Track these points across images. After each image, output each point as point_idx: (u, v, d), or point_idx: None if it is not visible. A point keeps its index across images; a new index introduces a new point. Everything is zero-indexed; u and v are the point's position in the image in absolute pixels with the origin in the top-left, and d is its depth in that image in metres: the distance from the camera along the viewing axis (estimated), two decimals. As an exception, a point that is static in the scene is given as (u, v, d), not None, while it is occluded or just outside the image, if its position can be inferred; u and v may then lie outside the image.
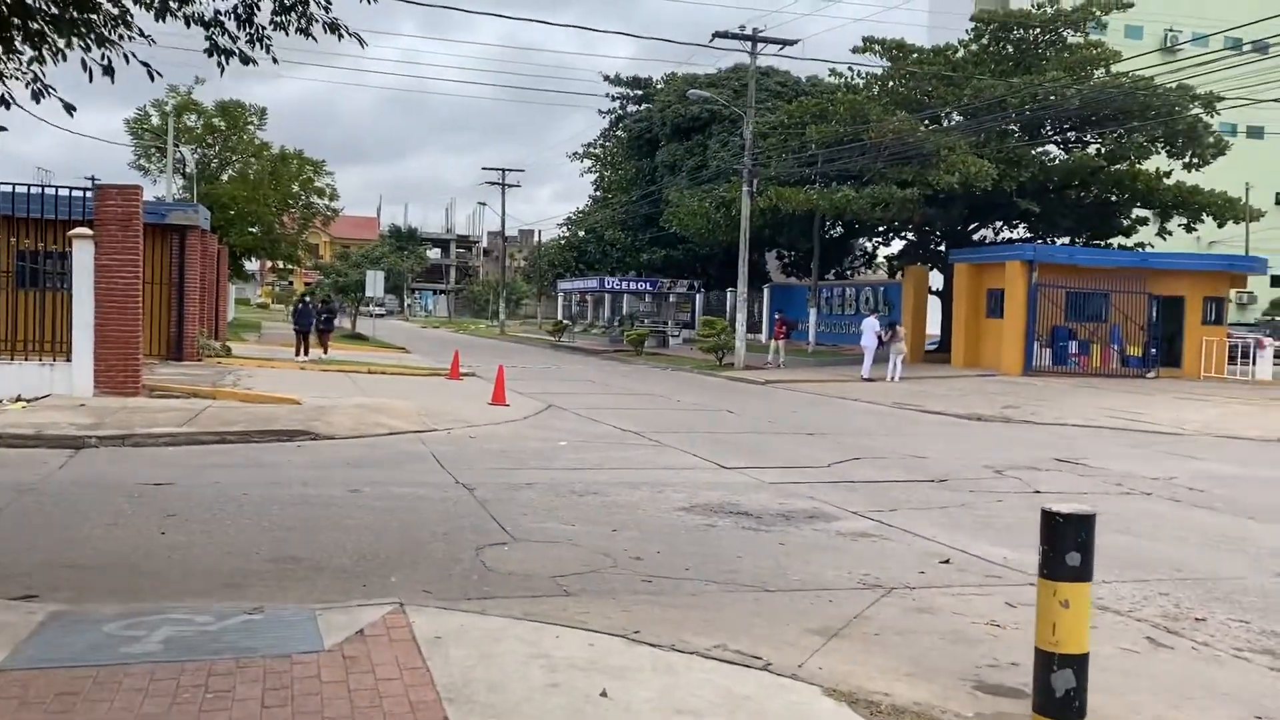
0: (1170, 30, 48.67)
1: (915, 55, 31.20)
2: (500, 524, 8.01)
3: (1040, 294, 27.38)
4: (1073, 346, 28.00)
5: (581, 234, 55.66)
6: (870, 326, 26.39)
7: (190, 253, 21.77)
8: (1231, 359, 28.21)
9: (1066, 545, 3.35)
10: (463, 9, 31.14)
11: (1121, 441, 15.55)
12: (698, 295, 46.77)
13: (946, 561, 7.36)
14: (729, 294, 44.21)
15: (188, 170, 40.60)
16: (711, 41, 30.36)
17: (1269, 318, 45.42)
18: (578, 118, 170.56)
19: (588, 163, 57.94)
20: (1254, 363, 27.13)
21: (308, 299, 31.49)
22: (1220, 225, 32.23)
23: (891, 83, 31.86)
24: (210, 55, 6.40)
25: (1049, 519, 3.40)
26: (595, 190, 57.76)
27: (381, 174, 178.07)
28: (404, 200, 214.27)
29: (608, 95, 53.54)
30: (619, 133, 54.54)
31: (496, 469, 10.85)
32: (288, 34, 6.40)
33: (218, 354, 23.82)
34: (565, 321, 53.25)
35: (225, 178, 41.87)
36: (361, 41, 6.45)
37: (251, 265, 64.29)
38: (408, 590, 6.05)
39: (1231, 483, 11.64)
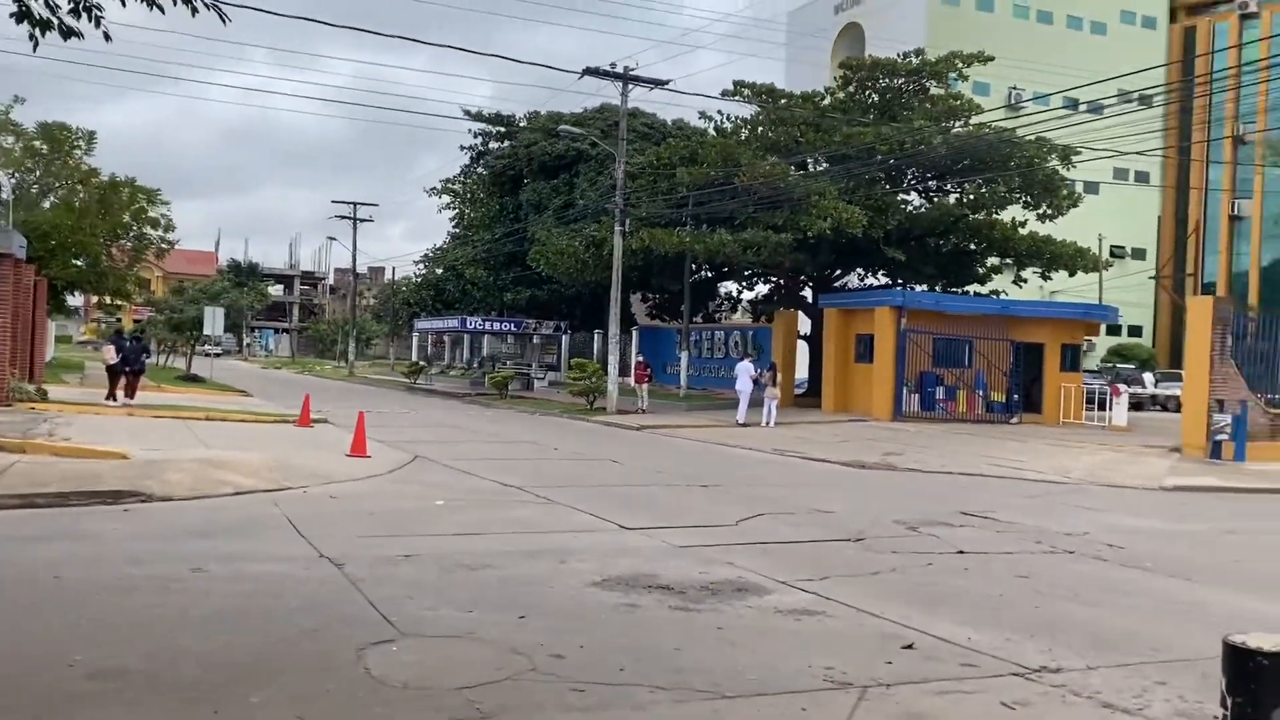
0: (1014, 89, 50.97)
1: (784, 100, 31.24)
2: (381, 612, 6.63)
3: (909, 340, 27.49)
4: (940, 392, 28.20)
5: (440, 271, 53.81)
6: (745, 370, 25.85)
7: (1, 284, 19.29)
8: (1087, 405, 28.95)
9: (1273, 695, 2.37)
10: (320, 53, 29.34)
11: (1015, 492, 15.21)
12: (564, 337, 45.64)
13: (910, 646, 6.42)
14: (596, 335, 43.29)
15: (2, 196, 36.98)
16: (582, 78, 29.62)
17: (1109, 364, 47.56)
18: (434, 154, 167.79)
19: (446, 198, 56.29)
20: (1110, 409, 27.85)
21: (128, 332, 29.01)
22: (1071, 274, 33.32)
23: (761, 128, 31.80)
24: (21, 23, 4.94)
25: (1241, 657, 2.42)
26: (455, 227, 56.09)
27: (221, 207, 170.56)
28: (245, 235, 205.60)
29: (469, 131, 52.23)
30: (480, 169, 53.18)
31: (367, 537, 9.39)
32: (124, 3, 5.01)
33: (31, 398, 21.18)
34: (421, 363, 51.13)
35: (47, 205, 38.36)
36: (223, 16, 5.11)
37: (75, 300, 59.51)
38: (275, 716, 4.67)
39: (1145, 537, 11.26)
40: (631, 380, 35.05)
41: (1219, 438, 18.90)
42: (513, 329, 45.05)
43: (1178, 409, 42.20)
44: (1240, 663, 2.44)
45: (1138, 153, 36.93)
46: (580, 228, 36.62)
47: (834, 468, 18.13)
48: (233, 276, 76.29)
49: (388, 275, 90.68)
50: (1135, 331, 61.91)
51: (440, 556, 8.51)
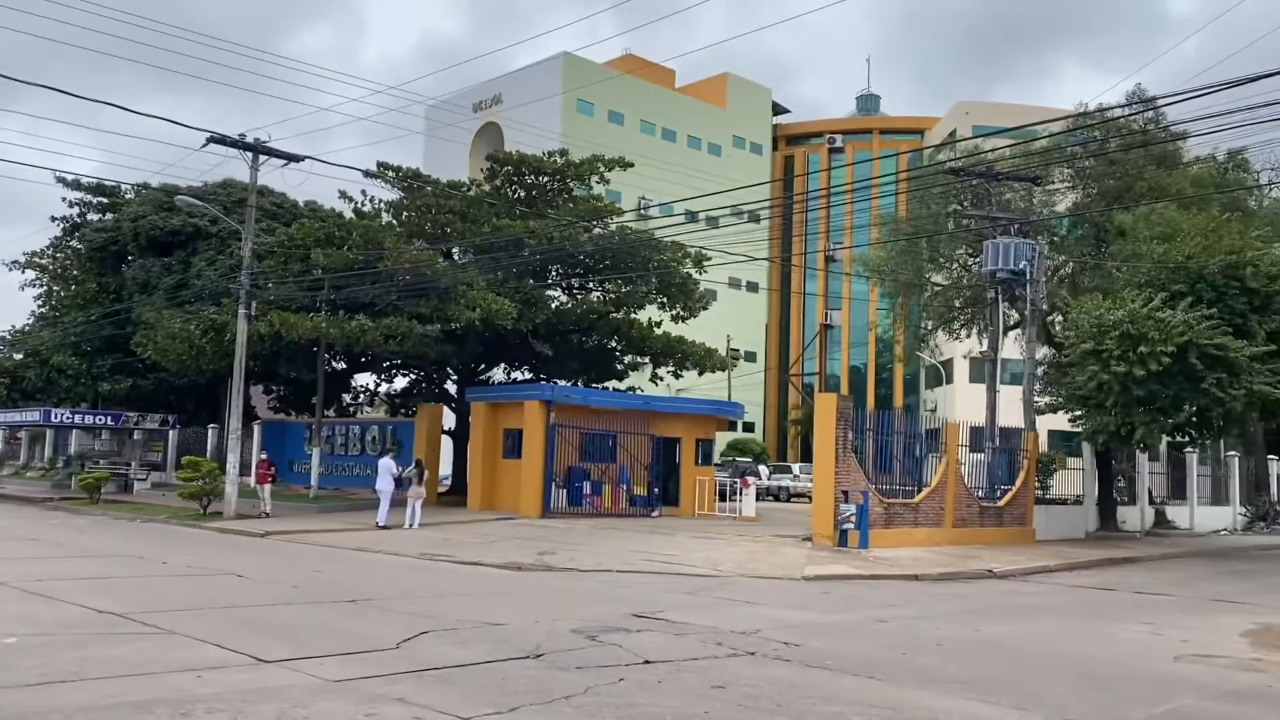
0: (643, 198, 54.00)
1: (430, 187, 30.45)
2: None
3: (557, 434, 27.22)
4: (587, 487, 28.10)
5: (18, 357, 46.42)
6: (386, 468, 24.11)
7: None
8: (721, 497, 30.17)
9: None
10: None
11: (675, 588, 14.96)
12: (171, 432, 40.73)
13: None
14: (211, 430, 39.08)
15: None
16: (206, 146, 26.92)
17: (729, 459, 50.58)
18: (13, 224, 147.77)
19: (31, 274, 49.07)
20: (740, 500, 29.17)
21: None
22: (700, 374, 35.06)
23: (406, 213, 30.70)
24: None
25: None
26: (41, 306, 48.89)
27: None
28: None
29: (64, 200, 46.11)
30: (75, 243, 47.01)
31: (-101, 700, 6.93)
32: None
33: None
34: (-12, 463, 43.43)
35: None
36: None
37: None
38: None
39: (813, 632, 11.23)
40: (252, 480, 31.79)
41: (845, 526, 20.10)
42: (110, 423, 39.54)
43: (789, 499, 45.96)
44: None
45: (748, 258, 40.10)
46: (198, 309, 33.13)
47: (489, 571, 17.06)
48: None
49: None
50: (749, 427, 66.91)
51: (18, 717, 6.39)
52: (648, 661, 9.15)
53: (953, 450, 23.12)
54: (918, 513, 22.11)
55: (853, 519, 19.95)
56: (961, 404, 49.29)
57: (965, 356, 47.81)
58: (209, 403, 42.31)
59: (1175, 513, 31.62)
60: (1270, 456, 36.33)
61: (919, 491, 22.76)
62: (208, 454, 34.62)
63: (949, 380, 57.26)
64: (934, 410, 50.25)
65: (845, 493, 20.33)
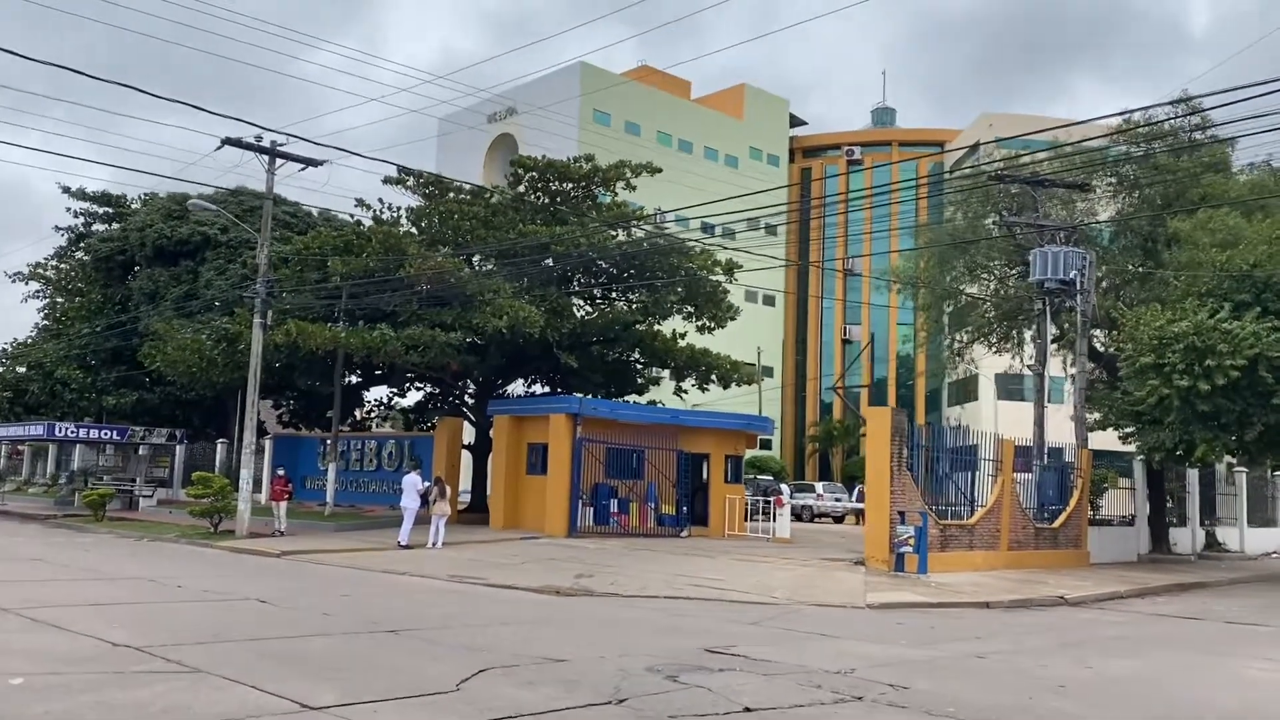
0: (659, 209, 52.84)
1: (453, 194, 29.35)
2: None
3: (584, 449, 26.03)
4: (614, 505, 26.88)
5: (21, 370, 45.28)
6: (411, 485, 22.87)
7: None
8: (750, 516, 28.90)
9: None
10: None
11: (735, 618, 13.73)
12: (179, 447, 39.50)
13: None
14: (220, 446, 37.88)
15: None
16: (220, 148, 25.87)
17: (749, 477, 49.20)
18: (16, 235, 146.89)
19: (34, 285, 48.05)
20: (774, 520, 27.88)
21: None
22: (725, 387, 33.80)
23: (425, 220, 29.59)
24: None
25: None
26: (45, 319, 47.80)
27: None
28: None
29: (69, 210, 45.15)
30: (80, 253, 46.01)
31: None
32: None
33: None
34: (-11, 478, 42.24)
35: None
36: None
37: None
38: None
39: (912, 671, 10.00)
40: (264, 498, 30.59)
41: (903, 550, 18.87)
42: (115, 438, 38.33)
43: (812, 519, 44.66)
44: None
45: (779, 262, 39.00)
46: (209, 319, 32.03)
47: (527, 595, 15.84)
48: None
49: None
50: (765, 444, 65.62)
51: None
52: (748, 709, 7.96)
53: (1008, 469, 21.90)
54: (973, 535, 20.88)
55: (911, 541, 18.72)
56: (988, 421, 48.01)
57: (999, 372, 46.54)
58: (217, 417, 41.16)
59: (1224, 534, 30.36)
60: (1316, 476, 35.05)
61: (971, 512, 21.55)
62: (216, 470, 33.38)
63: (974, 397, 55.98)
64: (957, 428, 49.03)
65: (902, 514, 19.11)
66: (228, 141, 25.74)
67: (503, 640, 11.00)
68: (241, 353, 27.73)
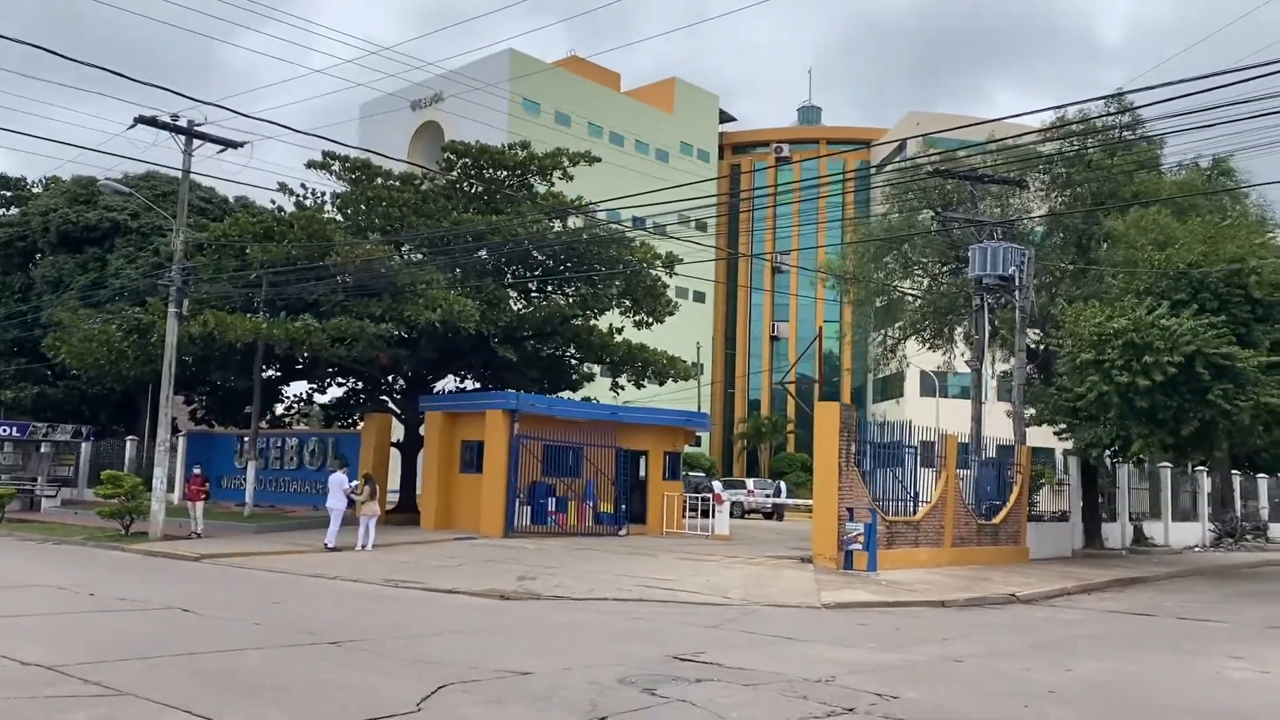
0: (586, 200, 52.08)
1: (380, 180, 28.17)
2: None
3: (522, 446, 25.19)
4: (551, 504, 26.06)
5: (-91, 363, 42.49)
6: (338, 484, 21.76)
7: None
8: (689, 513, 28.39)
9: None
10: None
11: (693, 619, 13.15)
12: (85, 444, 37.41)
13: None
14: (129, 443, 35.96)
15: None
16: (133, 127, 24.38)
17: (684, 473, 48.76)
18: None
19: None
20: (714, 517, 27.40)
21: None
22: (662, 383, 33.24)
23: (350, 208, 28.37)
24: None
25: None
26: (-65, 308, 44.95)
27: None
28: None
29: (-37, 192, 42.49)
30: (-25, 239, 43.35)
31: None
32: None
33: None
34: None
35: None
36: None
37: None
38: None
39: (893, 678, 9.52)
40: (177, 498, 29.04)
41: (852, 547, 18.51)
42: (15, 434, 36.16)
43: (743, 514, 44.38)
44: None
45: (734, 253, 38.64)
46: (117, 309, 30.29)
47: (471, 600, 15.03)
48: None
49: None
50: (696, 441, 65.33)
51: None
52: (739, 726, 7.35)
53: (951, 465, 21.75)
54: (919, 531, 20.66)
55: (860, 539, 18.37)
56: (913, 418, 48.37)
57: (926, 369, 46.87)
58: (126, 413, 39.18)
59: (1151, 529, 30.87)
60: (1234, 472, 35.99)
61: (915, 509, 21.34)
62: (125, 468, 31.63)
63: (900, 393, 56.44)
64: (900, 424, 49.31)
65: (850, 510, 18.74)
66: (141, 120, 24.23)
67: (457, 651, 10.22)
68: (154, 345, 26.22)
